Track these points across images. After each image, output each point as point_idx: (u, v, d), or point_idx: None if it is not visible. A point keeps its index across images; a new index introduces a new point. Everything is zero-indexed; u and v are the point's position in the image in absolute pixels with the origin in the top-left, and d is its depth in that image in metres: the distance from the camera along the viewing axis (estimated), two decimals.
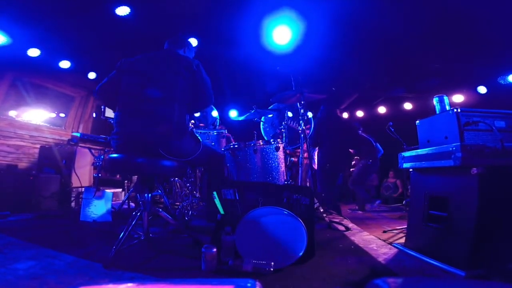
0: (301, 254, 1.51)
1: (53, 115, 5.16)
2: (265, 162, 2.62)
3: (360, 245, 1.99)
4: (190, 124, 2.98)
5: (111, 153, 1.74)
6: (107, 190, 2.77)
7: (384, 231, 2.73)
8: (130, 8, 3.50)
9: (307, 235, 1.54)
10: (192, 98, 1.81)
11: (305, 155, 3.87)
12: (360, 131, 4.62)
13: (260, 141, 2.68)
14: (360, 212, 4.13)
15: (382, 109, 6.81)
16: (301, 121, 2.92)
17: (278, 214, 1.59)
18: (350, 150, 4.51)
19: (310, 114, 4.41)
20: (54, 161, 3.27)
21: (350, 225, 2.71)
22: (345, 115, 6.39)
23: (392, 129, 4.49)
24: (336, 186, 3.82)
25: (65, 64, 4.51)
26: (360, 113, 7.05)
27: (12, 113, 4.49)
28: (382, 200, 5.28)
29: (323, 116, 3.88)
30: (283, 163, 2.77)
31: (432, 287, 0.65)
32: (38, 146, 3.60)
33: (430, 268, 1.56)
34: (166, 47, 1.99)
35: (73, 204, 3.15)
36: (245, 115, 3.41)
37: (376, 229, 2.90)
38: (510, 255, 1.47)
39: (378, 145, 4.58)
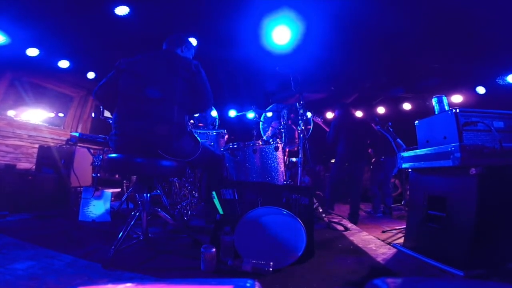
0: (300, 254, 1.51)
1: (52, 114, 5.15)
2: (264, 162, 2.62)
3: (359, 245, 1.99)
4: (189, 124, 2.97)
5: (110, 153, 1.73)
6: (106, 190, 2.76)
7: (383, 231, 2.74)
8: (129, 7, 3.49)
9: (306, 235, 1.54)
10: (191, 99, 1.80)
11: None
12: (378, 127, 4.43)
13: (260, 141, 2.68)
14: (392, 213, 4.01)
15: (381, 109, 6.81)
16: (300, 121, 2.92)
17: (277, 214, 1.59)
18: (369, 150, 4.37)
19: (309, 114, 4.41)
20: (53, 161, 3.25)
21: (349, 225, 2.71)
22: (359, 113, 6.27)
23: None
24: (358, 186, 3.64)
25: (64, 63, 4.51)
26: (359, 113, 7.04)
27: (11, 113, 4.48)
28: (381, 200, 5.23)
29: (341, 115, 3.86)
30: (282, 163, 2.76)
31: (431, 287, 0.65)
32: (37, 145, 3.58)
33: (429, 268, 1.57)
34: (164, 47, 1.98)
35: (72, 204, 3.14)
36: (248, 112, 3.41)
37: (375, 229, 2.90)
38: (508, 255, 1.47)
39: (399, 140, 4.37)
